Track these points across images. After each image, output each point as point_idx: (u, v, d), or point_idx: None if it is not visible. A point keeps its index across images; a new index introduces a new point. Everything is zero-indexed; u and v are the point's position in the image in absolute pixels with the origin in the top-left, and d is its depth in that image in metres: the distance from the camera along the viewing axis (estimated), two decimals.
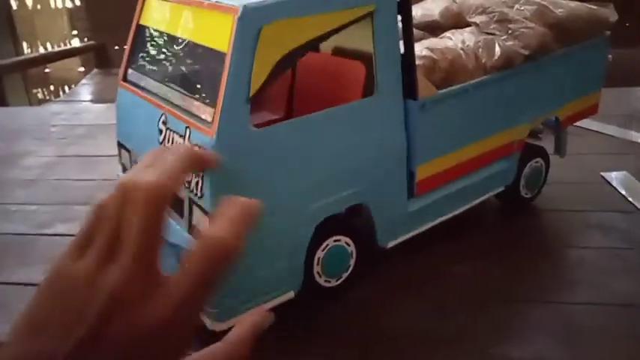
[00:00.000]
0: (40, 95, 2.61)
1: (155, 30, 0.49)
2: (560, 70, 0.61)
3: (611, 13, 0.66)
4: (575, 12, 0.62)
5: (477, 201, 0.59)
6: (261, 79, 0.39)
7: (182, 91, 0.44)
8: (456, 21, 0.62)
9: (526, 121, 0.60)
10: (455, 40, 0.56)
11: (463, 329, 0.48)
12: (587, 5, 0.65)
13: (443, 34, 0.59)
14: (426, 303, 0.52)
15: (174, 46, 0.46)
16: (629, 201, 0.67)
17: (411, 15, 0.47)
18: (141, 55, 0.51)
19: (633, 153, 0.81)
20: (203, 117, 0.41)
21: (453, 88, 0.52)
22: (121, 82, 0.53)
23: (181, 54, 0.45)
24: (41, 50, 2.74)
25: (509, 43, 0.56)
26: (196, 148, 0.31)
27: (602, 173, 0.74)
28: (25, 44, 2.62)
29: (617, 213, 0.65)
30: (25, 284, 0.56)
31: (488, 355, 0.46)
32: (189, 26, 0.45)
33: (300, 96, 0.53)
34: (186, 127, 0.42)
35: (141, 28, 0.51)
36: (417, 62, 0.51)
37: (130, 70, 0.53)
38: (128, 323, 0.23)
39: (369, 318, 0.50)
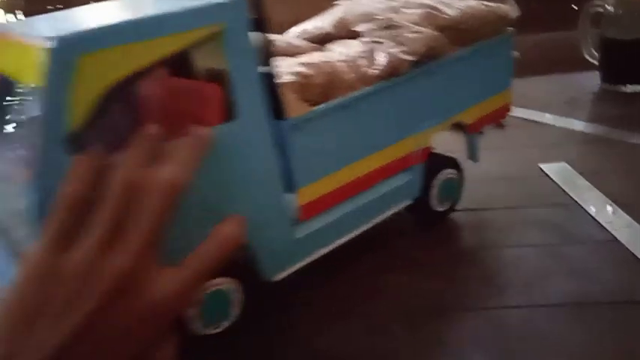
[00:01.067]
0: None
1: None
2: (459, 73, 0.58)
3: (511, 10, 0.63)
4: (470, 11, 0.59)
5: (379, 219, 0.55)
6: (82, 114, 0.36)
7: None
8: (347, 31, 0.59)
9: (424, 130, 0.57)
10: (337, 51, 0.53)
11: (395, 349, 0.46)
12: (485, 3, 0.62)
13: (327, 47, 0.56)
14: (356, 322, 0.49)
15: None
16: (567, 193, 0.65)
17: (267, 32, 0.43)
18: None
19: (573, 141, 0.79)
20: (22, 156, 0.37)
21: (330, 103, 0.48)
22: None
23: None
24: None
25: (394, 50, 0.52)
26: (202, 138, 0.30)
27: (540, 165, 0.72)
28: None
29: (555, 207, 0.63)
30: None
31: None
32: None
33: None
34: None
35: None
36: (289, 79, 0.47)
37: None
38: (128, 306, 0.25)
39: (299, 344, 0.47)
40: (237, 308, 0.47)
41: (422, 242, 0.59)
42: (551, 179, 0.69)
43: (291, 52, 0.58)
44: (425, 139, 0.57)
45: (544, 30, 1.17)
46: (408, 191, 0.57)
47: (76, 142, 0.36)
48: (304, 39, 0.62)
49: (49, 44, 0.34)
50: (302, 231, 0.50)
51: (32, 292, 0.25)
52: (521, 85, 0.97)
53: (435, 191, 0.60)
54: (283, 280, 0.48)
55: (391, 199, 0.56)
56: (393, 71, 0.52)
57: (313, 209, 0.50)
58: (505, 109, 0.66)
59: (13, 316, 0.24)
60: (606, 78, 0.97)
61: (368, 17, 0.56)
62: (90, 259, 0.25)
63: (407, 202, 0.58)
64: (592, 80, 0.97)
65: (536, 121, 0.86)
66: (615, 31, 0.94)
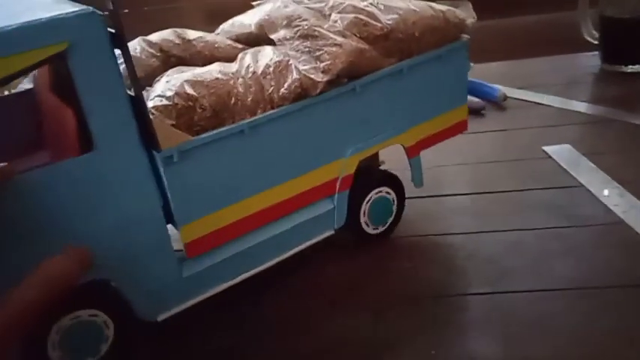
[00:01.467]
0: None
1: None
2: (392, 91, 0.51)
3: (467, 14, 0.55)
4: (412, 17, 0.51)
5: (292, 252, 0.50)
6: None
7: None
8: (266, 36, 0.52)
9: (349, 155, 0.50)
10: (241, 64, 0.46)
11: (402, 333, 0.45)
12: (435, 6, 0.54)
13: (237, 56, 0.49)
14: (362, 308, 0.48)
15: None
16: (572, 175, 0.63)
17: (127, 48, 0.37)
18: None
19: (575, 123, 0.77)
20: None
21: (218, 131, 0.42)
22: None
23: None
24: None
25: (306, 67, 0.45)
26: None
27: (543, 147, 0.70)
28: None
29: (560, 189, 0.62)
30: None
31: (431, 358, 0.42)
32: None
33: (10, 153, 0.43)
34: None
35: None
36: (168, 103, 0.41)
37: None
38: None
39: (305, 332, 0.46)
40: (106, 345, 0.43)
41: (419, 227, 0.58)
42: (555, 161, 0.67)
43: (209, 55, 0.52)
44: (348, 166, 0.50)
45: (540, 12, 1.12)
46: (329, 222, 0.51)
47: None
48: (229, 37, 0.55)
49: None
50: (191, 268, 0.45)
51: None
52: (521, 67, 0.95)
53: (365, 215, 0.53)
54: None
55: (307, 232, 0.50)
56: (303, 92, 0.45)
57: (202, 247, 0.44)
58: (459, 128, 0.58)
59: None
60: (606, 58, 0.93)
61: (290, 21, 0.49)
62: None
63: (329, 233, 0.52)
64: (592, 61, 0.95)
65: (536, 103, 0.84)
66: (614, 10, 0.89)
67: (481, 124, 0.74)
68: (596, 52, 0.95)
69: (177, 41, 0.52)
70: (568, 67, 0.97)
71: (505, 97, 0.84)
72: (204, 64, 0.49)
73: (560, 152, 0.69)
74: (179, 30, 0.53)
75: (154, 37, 0.52)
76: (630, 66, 0.90)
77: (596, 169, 0.64)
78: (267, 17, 0.51)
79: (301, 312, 0.48)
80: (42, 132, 0.47)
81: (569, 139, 0.72)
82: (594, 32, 0.95)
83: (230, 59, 0.50)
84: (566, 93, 0.86)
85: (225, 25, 0.57)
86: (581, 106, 0.81)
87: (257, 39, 0.53)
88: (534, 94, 0.86)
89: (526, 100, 0.85)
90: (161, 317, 0.44)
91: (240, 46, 0.54)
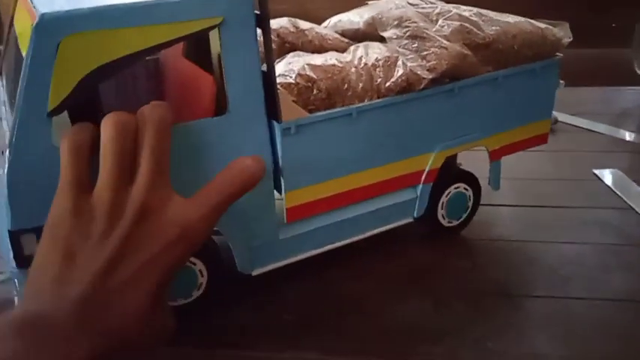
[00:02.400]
0: None
1: (15, 31, 0.47)
2: (486, 97, 0.55)
3: (564, 33, 0.58)
4: (513, 31, 0.55)
5: (372, 232, 0.54)
6: (64, 94, 0.36)
7: (8, 100, 0.42)
8: (376, 33, 0.56)
9: (437, 151, 0.54)
10: (354, 55, 0.51)
11: (461, 323, 0.48)
12: (534, 23, 0.57)
13: (349, 48, 0.54)
14: (423, 298, 0.51)
15: (14, 45, 0.44)
16: (622, 198, 0.67)
17: (269, 30, 0.42)
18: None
19: (623, 151, 0.81)
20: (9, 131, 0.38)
21: (331, 112, 0.47)
22: None
23: (15, 58, 0.43)
24: None
25: (413, 64, 0.50)
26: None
27: (594, 170, 0.73)
28: None
29: (612, 210, 0.65)
30: None
31: (487, 351, 0.45)
32: (20, 29, 0.42)
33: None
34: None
35: (12, 22, 0.49)
36: (291, 81, 0.46)
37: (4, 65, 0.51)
38: (155, 232, 0.29)
39: (364, 314, 0.50)
40: (197, 292, 0.48)
41: (480, 231, 0.61)
42: (606, 184, 0.70)
43: (319, 45, 0.57)
44: (435, 160, 0.54)
45: (581, 46, 1.15)
46: (409, 210, 0.55)
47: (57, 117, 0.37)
48: (336, 31, 0.60)
49: (35, 21, 0.35)
50: (286, 232, 0.49)
51: (67, 229, 0.29)
52: (572, 94, 0.98)
53: (443, 207, 0.57)
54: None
55: (388, 216, 0.54)
56: (408, 87, 0.49)
57: (300, 213, 0.49)
58: (539, 140, 0.61)
59: (57, 253, 0.28)
60: None
61: (400, 22, 0.54)
62: (112, 191, 0.29)
63: (408, 220, 0.56)
64: None
65: (587, 129, 0.88)
66: None
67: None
68: None
69: (292, 29, 0.57)
70: (618, 99, 1.02)
71: (556, 121, 0.87)
72: (313, 53, 0.54)
73: (610, 176, 0.72)
74: (293, 19, 0.58)
75: (272, 23, 0.57)
76: None
77: None
78: (377, 16, 0.56)
79: (364, 294, 0.51)
80: (164, 97, 0.52)
81: (618, 165, 0.75)
82: None
83: (337, 51, 0.55)
84: (616, 122, 0.89)
85: (333, 20, 0.62)
86: (630, 136, 0.85)
87: (364, 36, 0.58)
88: (585, 121, 0.89)
89: (577, 126, 0.89)
90: (256, 272, 0.49)
91: (346, 40, 0.59)
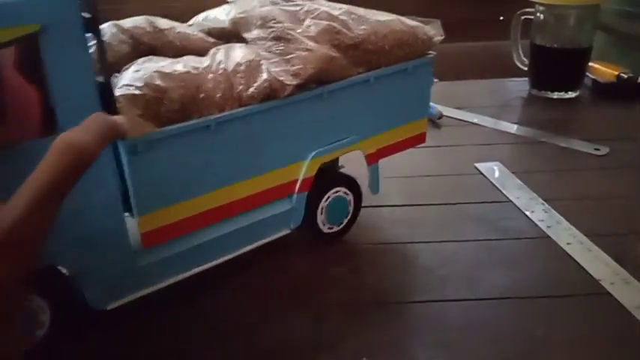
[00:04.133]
0: None
1: None
2: (358, 99, 0.52)
3: (436, 31, 0.57)
4: (383, 30, 0.53)
5: (247, 248, 0.50)
6: None
7: None
8: (239, 34, 0.52)
9: (310, 158, 0.51)
10: (213, 60, 0.47)
11: (339, 337, 0.46)
12: (405, 21, 0.56)
13: (209, 51, 0.49)
14: (302, 311, 0.48)
15: None
16: (501, 191, 0.67)
17: (100, 35, 0.37)
18: None
19: (505, 143, 0.82)
20: None
21: (184, 124, 0.42)
22: None
23: None
24: None
25: (278, 68, 0.46)
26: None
27: (475, 164, 0.74)
28: None
29: (490, 204, 0.65)
30: None
31: None
32: None
33: None
34: None
35: None
36: (137, 92, 0.41)
37: None
38: None
39: (239, 336, 0.46)
40: (44, 329, 0.42)
41: (361, 235, 0.59)
42: (486, 177, 0.71)
43: (180, 46, 0.52)
44: (309, 169, 0.51)
45: (470, 39, 1.24)
46: (286, 221, 0.52)
47: None
48: (202, 30, 0.55)
49: None
50: (146, 258, 0.45)
51: None
52: (454, 88, 1.02)
53: (322, 213, 0.55)
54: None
55: (263, 230, 0.51)
56: (272, 94, 0.46)
57: (158, 238, 0.44)
58: (417, 139, 0.60)
59: None
60: (535, 84, 1.02)
61: (265, 21, 0.50)
62: None
63: (285, 232, 0.53)
64: (521, 86, 1.04)
65: (469, 122, 0.90)
66: (544, 39, 0.98)
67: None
68: (526, 79, 1.03)
69: (149, 29, 0.51)
70: (499, 91, 1.05)
71: (441, 115, 0.88)
72: (174, 55, 0.49)
73: (491, 169, 0.73)
74: (152, 18, 0.53)
75: (126, 22, 0.51)
76: (556, 92, 0.98)
77: (523, 186, 0.69)
78: (242, 15, 0.52)
79: (240, 313, 0.48)
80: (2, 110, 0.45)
81: (499, 157, 0.76)
82: (524, 59, 1.03)
83: (201, 52, 0.50)
84: (497, 114, 0.92)
85: (199, 18, 0.58)
86: (511, 128, 0.87)
87: (230, 35, 0.54)
88: (468, 114, 0.91)
89: (460, 119, 0.90)
90: (111, 306, 0.44)
91: (212, 40, 0.54)
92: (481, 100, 0.98)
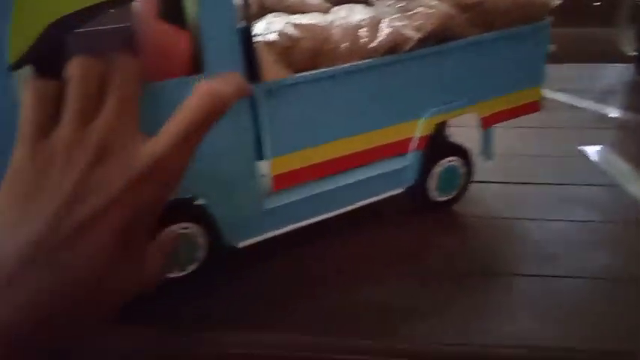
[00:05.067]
0: None
1: None
2: (476, 60, 0.53)
3: None
4: None
5: (363, 202, 0.52)
6: (25, 46, 0.34)
7: None
8: None
9: (427, 116, 0.52)
10: (337, 16, 0.49)
11: (446, 303, 0.46)
12: None
13: (332, 9, 0.52)
14: (407, 276, 0.49)
15: None
16: (608, 175, 0.66)
17: None
18: None
19: (608, 127, 0.81)
20: None
21: (314, 72, 0.45)
22: None
23: None
24: None
25: (400, 24, 0.48)
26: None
27: (579, 147, 0.73)
28: None
29: (597, 187, 0.64)
30: None
31: (471, 330, 0.43)
32: None
33: None
34: None
35: None
36: (272, 39, 0.44)
37: None
38: (117, 169, 0.27)
39: (346, 293, 0.47)
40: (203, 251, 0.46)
41: (466, 208, 0.59)
42: (592, 161, 0.70)
43: (299, 10, 0.54)
44: (425, 127, 0.52)
45: (568, 26, 1.19)
46: (399, 179, 0.53)
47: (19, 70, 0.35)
48: None
49: None
50: (274, 202, 0.47)
51: (25, 173, 0.27)
52: (556, 71, 0.99)
53: (433, 180, 0.55)
54: None
55: (380, 185, 0.52)
56: (394, 47, 0.47)
57: (287, 181, 0.47)
58: (531, 107, 0.60)
59: (13, 197, 0.26)
60: None
61: None
62: (72, 131, 0.27)
63: (397, 190, 0.54)
64: (625, 72, 1.02)
65: (573, 106, 0.88)
66: None
67: (516, 120, 0.73)
68: (628, 64, 1.01)
69: None
70: (603, 76, 1.03)
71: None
72: None
73: (596, 153, 0.72)
74: None
75: None
76: None
77: (631, 170, 0.67)
78: None
79: (346, 268, 0.49)
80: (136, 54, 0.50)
81: (605, 141, 0.74)
82: (631, 45, 1.01)
83: None
84: (602, 99, 0.89)
85: None
86: (616, 112, 0.85)
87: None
88: (571, 97, 0.90)
89: (563, 102, 0.89)
90: (242, 244, 0.47)
91: (328, 4, 0.56)
92: (582, 84, 0.96)
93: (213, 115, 0.29)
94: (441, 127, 0.55)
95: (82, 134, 0.27)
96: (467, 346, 0.41)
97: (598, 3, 1.18)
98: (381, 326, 0.43)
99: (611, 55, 1.04)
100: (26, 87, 0.30)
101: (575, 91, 0.91)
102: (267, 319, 0.44)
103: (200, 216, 0.44)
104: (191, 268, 0.46)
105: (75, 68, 0.29)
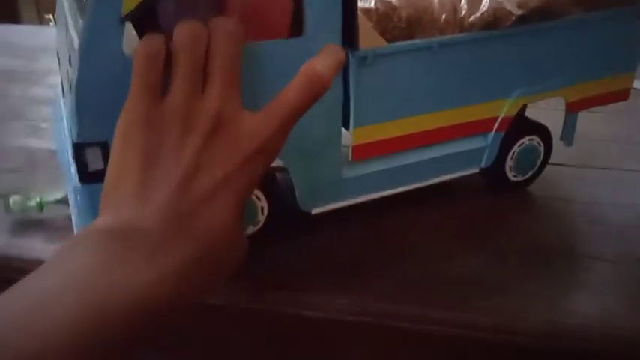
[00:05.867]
0: (52, 23, 2.44)
1: None
2: (571, 42, 0.50)
3: None
4: None
5: (438, 180, 0.51)
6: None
7: (75, 3, 0.40)
8: None
9: (514, 97, 0.50)
10: None
11: (527, 281, 0.46)
12: None
13: None
14: (485, 251, 0.49)
15: None
16: None
17: None
18: None
19: None
20: (76, 40, 0.36)
21: (411, 43, 0.43)
22: None
23: None
24: None
25: None
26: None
27: None
28: None
29: None
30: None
31: (556, 309, 0.43)
32: None
33: None
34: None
35: None
36: (371, 6, 0.43)
37: None
38: (228, 144, 0.27)
39: (422, 263, 0.47)
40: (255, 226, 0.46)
41: (541, 189, 0.58)
42: None
43: None
44: (512, 107, 0.50)
45: None
46: (478, 158, 0.52)
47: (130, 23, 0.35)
48: None
49: None
50: (351, 171, 0.47)
51: (140, 137, 0.27)
52: None
53: (512, 160, 0.54)
54: None
55: (456, 163, 0.51)
56: (494, 22, 0.45)
57: (367, 152, 0.46)
58: (620, 95, 0.57)
59: (133, 161, 0.27)
60: None
61: None
62: (185, 99, 0.28)
63: (474, 170, 0.53)
64: None
65: None
66: None
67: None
68: None
69: None
70: None
71: None
72: None
73: None
74: None
75: None
76: None
77: None
78: None
79: (421, 244, 0.49)
80: (235, 13, 0.49)
81: None
82: None
83: None
84: None
85: None
86: None
87: None
88: None
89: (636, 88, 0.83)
90: (316, 211, 0.47)
91: None
92: None
93: (315, 97, 0.31)
94: (524, 107, 0.53)
95: (195, 104, 0.28)
96: (556, 324, 0.41)
97: None
98: (462, 301, 0.43)
99: None
100: (137, 47, 0.30)
101: None
102: (341, 284, 0.44)
103: (262, 181, 0.44)
104: (250, 230, 0.46)
105: (183, 35, 0.29)
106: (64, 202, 0.47)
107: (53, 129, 0.54)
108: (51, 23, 2.37)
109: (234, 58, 0.30)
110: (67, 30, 0.41)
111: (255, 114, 0.30)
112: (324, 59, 0.32)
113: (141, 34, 0.35)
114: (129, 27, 0.35)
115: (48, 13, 2.34)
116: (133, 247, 0.23)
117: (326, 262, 0.47)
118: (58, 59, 0.50)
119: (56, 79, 0.62)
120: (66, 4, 0.44)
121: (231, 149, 0.28)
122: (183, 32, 0.30)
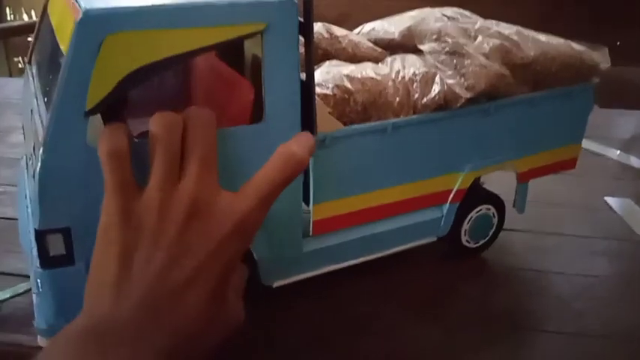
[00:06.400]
0: (21, 65, 2.30)
1: (51, 22, 0.46)
2: (519, 118, 0.54)
3: (602, 58, 0.57)
4: (552, 53, 0.54)
5: (396, 249, 0.53)
6: (103, 93, 0.35)
7: (41, 93, 0.41)
8: (412, 45, 0.55)
9: (467, 171, 0.53)
10: (391, 68, 0.50)
11: (471, 352, 0.47)
12: (574, 46, 0.56)
13: (385, 59, 0.53)
14: (434, 322, 0.50)
15: (48, 37, 0.43)
16: (633, 229, 0.66)
17: (311, 38, 0.41)
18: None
19: (633, 178, 0.80)
20: (40, 129, 0.37)
21: (366, 125, 0.46)
22: (28, 65, 0.51)
23: (50, 50, 0.42)
24: (25, 18, 2.35)
25: (452, 81, 0.49)
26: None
27: (605, 198, 0.72)
28: (8, 10, 2.34)
29: (623, 241, 0.64)
30: (14, 274, 0.51)
31: None
32: (57, 21, 0.41)
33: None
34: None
35: (45, 12, 0.48)
36: (328, 92, 0.45)
37: (34, 54, 0.50)
38: (207, 228, 0.28)
39: (374, 335, 0.48)
40: None
41: (493, 256, 0.60)
42: (617, 213, 0.70)
43: (352, 53, 0.55)
44: (464, 180, 0.53)
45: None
46: (435, 228, 0.54)
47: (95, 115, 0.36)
48: (369, 39, 0.59)
49: (78, 17, 0.34)
50: (312, 245, 0.48)
51: (119, 233, 0.28)
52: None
53: (466, 228, 0.56)
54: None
55: (414, 233, 0.53)
56: (445, 104, 0.48)
57: (327, 226, 0.48)
58: (567, 164, 0.60)
59: (111, 257, 0.28)
60: None
61: (439, 35, 0.52)
62: (162, 191, 0.29)
63: (431, 239, 0.55)
64: None
65: (600, 154, 0.87)
66: None
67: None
68: None
69: (325, 35, 0.56)
70: (628, 123, 1.00)
71: None
72: (345, 60, 0.53)
73: (622, 206, 0.71)
74: (327, 25, 0.57)
75: None
76: None
77: None
78: (415, 27, 0.55)
79: (375, 315, 0.50)
80: (200, 101, 0.51)
81: (631, 193, 0.74)
82: None
83: (370, 60, 0.54)
84: (627, 148, 0.88)
85: (367, 27, 0.61)
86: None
87: (398, 47, 0.57)
88: (595, 144, 0.88)
89: (588, 150, 0.87)
90: (277, 284, 0.48)
91: (379, 49, 0.57)
92: (608, 131, 0.94)
93: (292, 176, 0.32)
94: (477, 179, 0.56)
95: (171, 194, 0.29)
96: None
97: (619, 43, 1.16)
98: None
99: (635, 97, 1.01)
100: (102, 145, 0.31)
101: (600, 138, 0.89)
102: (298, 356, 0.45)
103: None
104: None
105: (159, 127, 0.30)
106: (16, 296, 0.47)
107: (17, 196, 0.54)
108: (20, 65, 2.36)
109: (208, 143, 0.32)
110: (32, 114, 0.42)
111: (232, 193, 0.32)
112: (298, 142, 0.34)
113: (106, 122, 0.36)
114: (93, 118, 0.36)
115: (17, 56, 2.35)
116: (107, 346, 0.24)
117: (279, 335, 0.48)
118: (23, 133, 0.51)
119: (18, 138, 0.62)
120: (33, 86, 0.45)
121: (209, 232, 0.29)
122: (158, 126, 0.31)
